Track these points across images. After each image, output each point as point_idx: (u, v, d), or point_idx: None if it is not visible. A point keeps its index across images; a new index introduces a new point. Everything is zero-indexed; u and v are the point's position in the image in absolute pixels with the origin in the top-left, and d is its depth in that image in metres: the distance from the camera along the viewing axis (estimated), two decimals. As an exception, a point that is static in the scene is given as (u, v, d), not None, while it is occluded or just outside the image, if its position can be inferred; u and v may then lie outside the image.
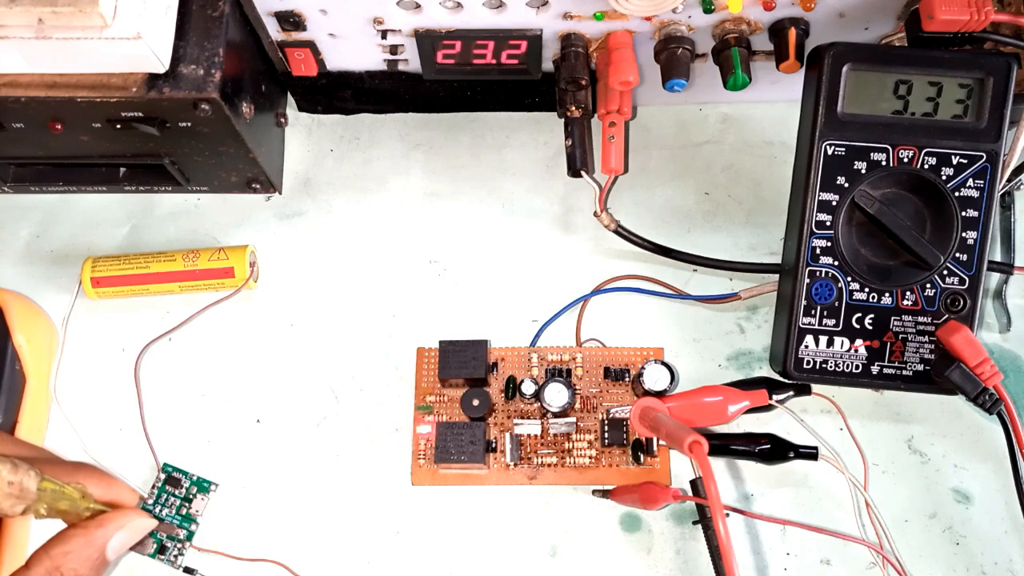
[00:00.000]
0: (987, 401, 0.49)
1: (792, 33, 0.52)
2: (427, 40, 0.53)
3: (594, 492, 0.54)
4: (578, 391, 0.55)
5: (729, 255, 0.58)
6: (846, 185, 0.51)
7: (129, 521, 0.39)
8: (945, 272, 0.51)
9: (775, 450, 0.52)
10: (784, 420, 0.54)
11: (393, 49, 0.55)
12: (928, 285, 0.51)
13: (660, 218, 0.60)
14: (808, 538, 0.53)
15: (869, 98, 0.50)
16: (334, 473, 0.55)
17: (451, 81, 0.58)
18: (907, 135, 0.50)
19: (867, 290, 0.51)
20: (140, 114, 0.50)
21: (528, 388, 0.54)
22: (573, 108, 0.55)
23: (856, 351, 0.52)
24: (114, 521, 0.39)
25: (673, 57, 0.53)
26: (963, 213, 0.50)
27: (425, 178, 0.61)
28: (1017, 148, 0.50)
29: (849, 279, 0.51)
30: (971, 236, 0.50)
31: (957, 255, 0.51)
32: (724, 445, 0.53)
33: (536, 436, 0.55)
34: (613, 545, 0.54)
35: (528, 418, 0.55)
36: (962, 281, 0.51)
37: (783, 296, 0.54)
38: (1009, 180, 0.53)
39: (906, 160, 0.50)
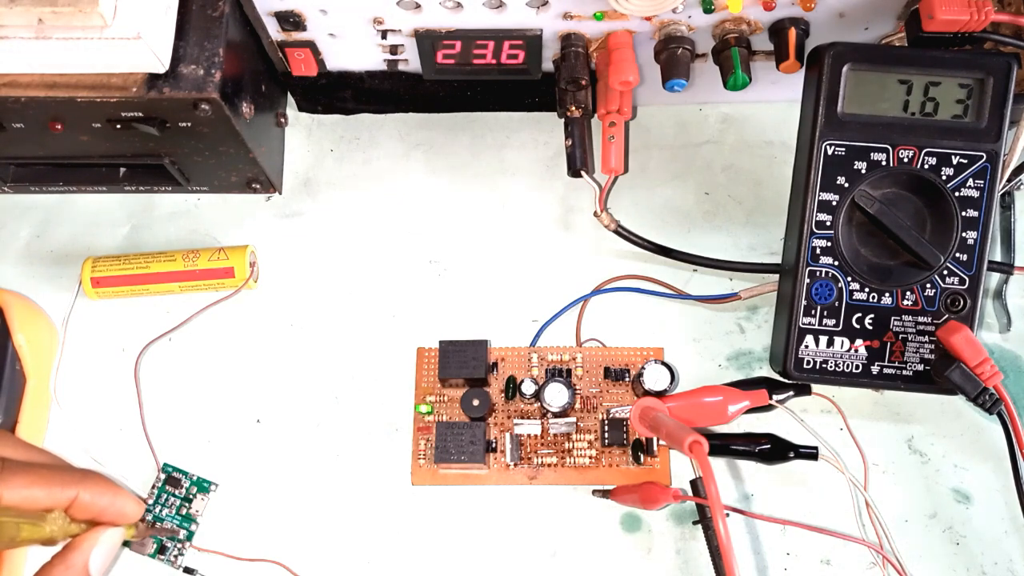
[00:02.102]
0: (987, 401, 0.49)
1: (792, 33, 0.52)
2: (427, 40, 0.53)
3: (594, 492, 0.54)
4: (578, 391, 0.55)
5: (729, 255, 0.58)
6: (846, 185, 0.51)
7: (102, 535, 0.40)
8: (945, 272, 0.51)
9: (775, 450, 0.52)
10: (784, 420, 0.54)
11: (393, 49, 0.55)
12: (928, 285, 0.51)
13: (660, 218, 0.60)
14: (808, 538, 0.53)
15: (869, 98, 0.50)
16: (334, 473, 0.55)
17: (451, 81, 0.58)
18: (907, 135, 0.50)
19: (867, 290, 0.51)
20: (140, 114, 0.50)
21: (528, 388, 0.54)
22: (573, 108, 0.55)
23: (856, 351, 0.52)
24: (88, 540, 0.39)
25: (673, 57, 0.53)
26: (963, 213, 0.50)
27: (425, 178, 0.61)
28: (1017, 148, 0.50)
29: (849, 279, 0.51)
30: (971, 236, 0.50)
31: (957, 255, 0.51)
32: (724, 445, 0.53)
33: (536, 436, 0.55)
34: (613, 545, 0.54)
35: (528, 418, 0.55)
36: (962, 281, 0.51)
37: (783, 296, 0.54)
38: (1009, 180, 0.52)
39: (906, 160, 0.50)
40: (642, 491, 0.52)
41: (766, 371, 0.56)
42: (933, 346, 0.51)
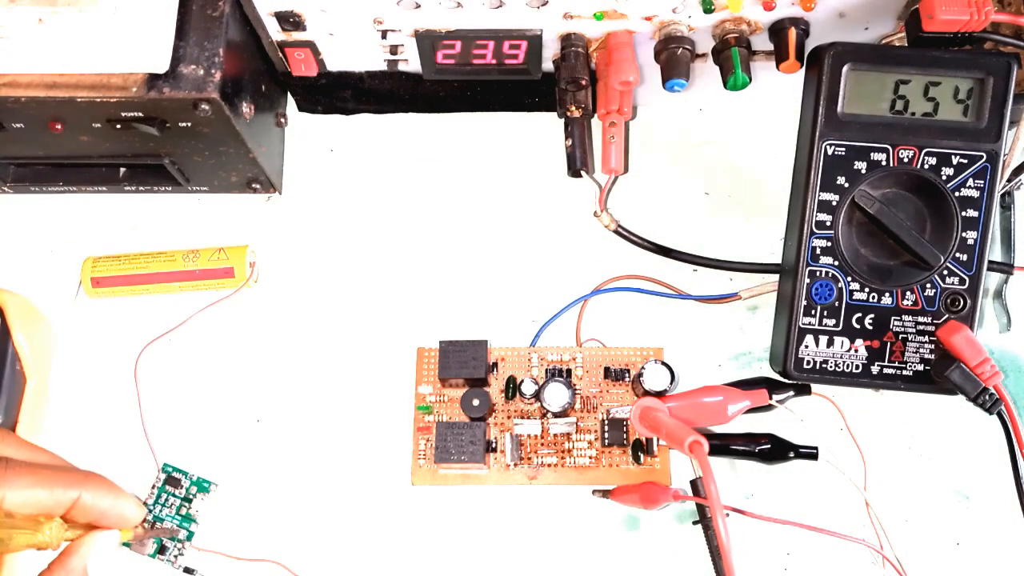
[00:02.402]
0: (987, 401, 0.49)
1: (792, 33, 0.52)
2: (427, 40, 0.53)
3: (594, 492, 0.54)
4: (578, 391, 0.55)
5: (729, 255, 0.58)
6: (846, 185, 0.51)
7: (99, 539, 0.40)
8: (945, 272, 0.51)
9: (775, 450, 0.52)
10: (784, 420, 0.54)
11: (393, 49, 0.55)
12: (928, 285, 0.51)
13: (660, 218, 0.60)
14: (808, 538, 0.53)
15: (869, 98, 0.50)
16: (334, 473, 0.55)
17: (451, 81, 0.58)
18: (907, 135, 0.50)
19: (867, 290, 0.51)
20: (140, 114, 0.50)
21: (528, 388, 0.54)
22: (573, 108, 0.55)
23: (856, 351, 0.52)
24: (85, 544, 0.40)
25: (673, 57, 0.53)
26: (963, 213, 0.50)
27: (425, 178, 0.61)
28: (1017, 148, 0.50)
29: (849, 279, 0.51)
30: (971, 236, 0.50)
31: (957, 255, 0.51)
32: (724, 445, 0.53)
33: (536, 436, 0.55)
34: (613, 545, 0.54)
35: (528, 418, 0.55)
36: (962, 281, 0.51)
37: (783, 296, 0.54)
38: (1009, 180, 0.53)
39: (906, 160, 0.50)
40: (642, 491, 0.52)
41: (766, 371, 0.56)
42: (933, 346, 0.51)
